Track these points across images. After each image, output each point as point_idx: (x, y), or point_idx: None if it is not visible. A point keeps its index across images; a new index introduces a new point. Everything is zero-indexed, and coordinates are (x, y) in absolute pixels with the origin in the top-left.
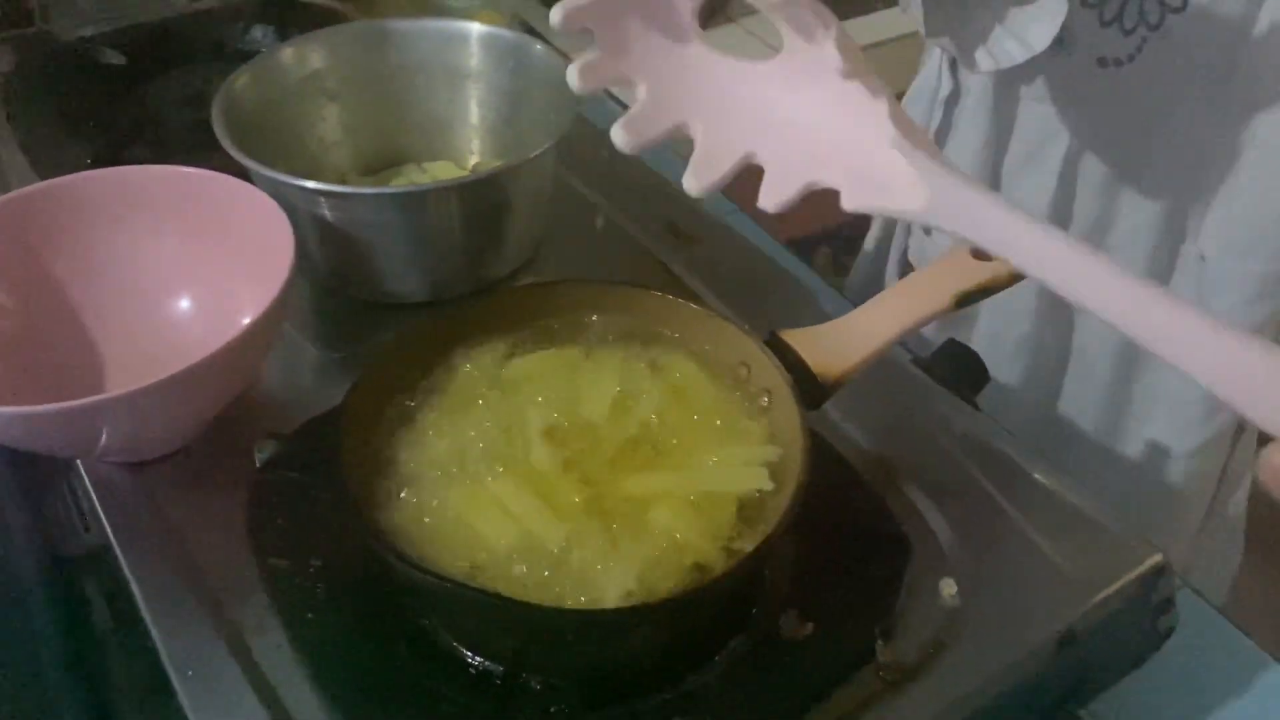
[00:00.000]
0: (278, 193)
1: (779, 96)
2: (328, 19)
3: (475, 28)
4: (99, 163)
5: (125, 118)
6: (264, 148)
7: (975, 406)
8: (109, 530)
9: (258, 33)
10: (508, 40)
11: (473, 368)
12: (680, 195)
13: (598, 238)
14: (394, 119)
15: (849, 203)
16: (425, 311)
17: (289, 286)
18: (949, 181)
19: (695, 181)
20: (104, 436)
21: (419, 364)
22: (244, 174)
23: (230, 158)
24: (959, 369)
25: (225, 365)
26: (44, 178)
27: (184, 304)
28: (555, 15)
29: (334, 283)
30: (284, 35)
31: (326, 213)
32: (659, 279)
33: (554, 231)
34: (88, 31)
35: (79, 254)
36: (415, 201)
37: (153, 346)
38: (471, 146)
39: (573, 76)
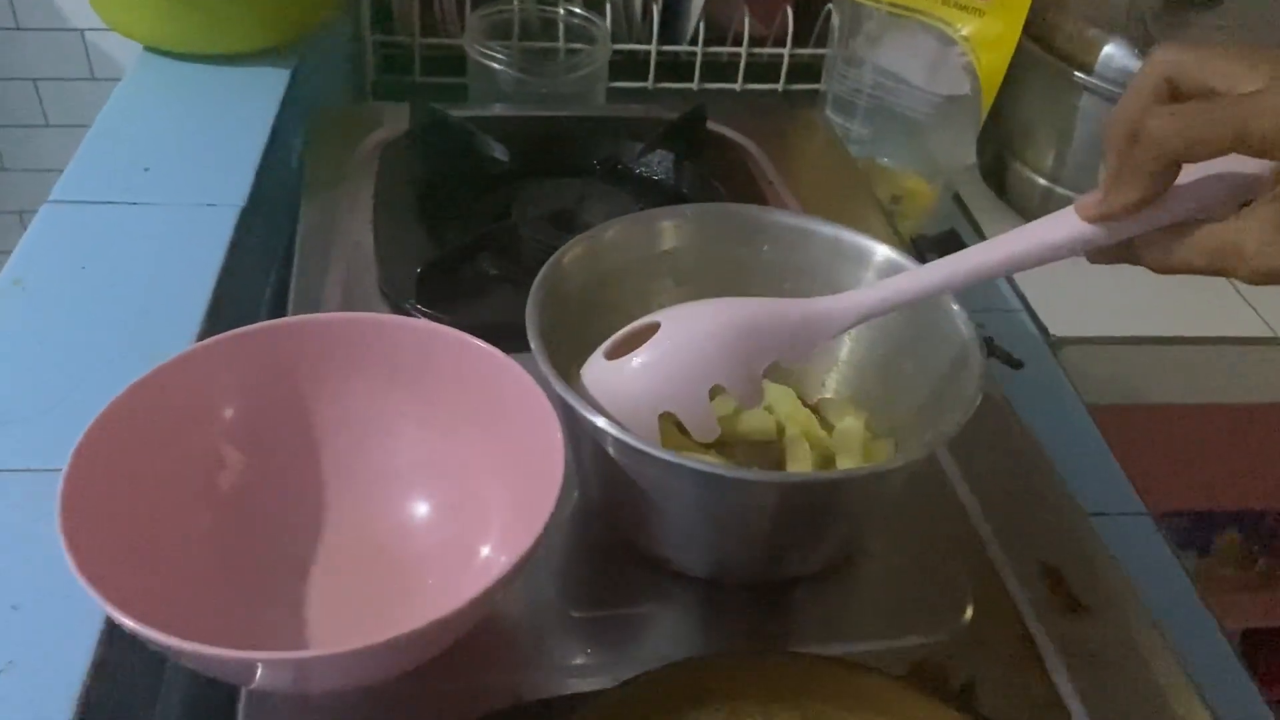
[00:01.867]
0: (568, 410)
1: None
2: (734, 159)
3: (879, 249)
4: (430, 271)
5: (483, 219)
6: (589, 320)
7: None
8: None
9: (655, 159)
10: None
11: None
12: (1082, 537)
13: (944, 553)
14: None
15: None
16: (697, 587)
17: (546, 531)
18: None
19: None
20: (269, 681)
21: None
22: None
23: None
24: None
25: (441, 632)
26: (380, 266)
27: (420, 506)
28: None
29: (599, 522)
30: (681, 167)
31: (613, 452)
32: (1013, 658)
33: (891, 523)
34: (496, 110)
35: (319, 410)
36: (724, 484)
37: (372, 547)
38: (826, 380)
39: None
